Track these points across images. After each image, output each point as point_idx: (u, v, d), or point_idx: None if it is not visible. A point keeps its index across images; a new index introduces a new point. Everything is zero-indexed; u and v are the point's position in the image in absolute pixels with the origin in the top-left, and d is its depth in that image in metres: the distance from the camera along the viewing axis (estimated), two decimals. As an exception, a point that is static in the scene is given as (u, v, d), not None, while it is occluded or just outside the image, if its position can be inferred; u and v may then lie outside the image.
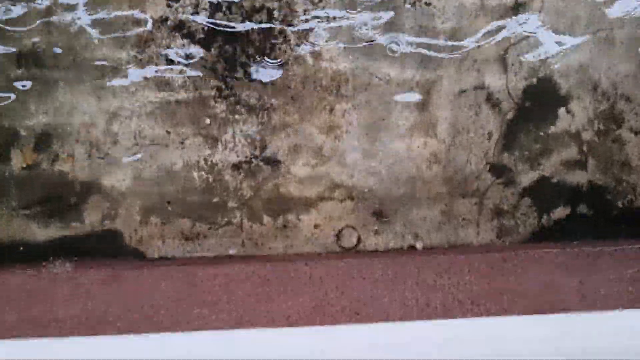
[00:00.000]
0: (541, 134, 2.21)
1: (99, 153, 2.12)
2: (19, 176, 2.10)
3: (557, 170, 2.23)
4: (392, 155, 2.18)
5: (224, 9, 2.08)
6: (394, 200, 2.20)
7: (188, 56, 2.09)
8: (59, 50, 2.06)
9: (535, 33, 2.16)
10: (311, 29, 2.10)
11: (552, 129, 2.21)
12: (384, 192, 2.19)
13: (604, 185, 2.25)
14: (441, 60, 2.14)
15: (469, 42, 2.14)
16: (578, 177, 2.24)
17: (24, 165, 2.10)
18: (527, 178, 2.23)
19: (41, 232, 2.13)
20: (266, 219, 2.18)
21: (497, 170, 2.22)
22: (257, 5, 2.08)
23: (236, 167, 2.16)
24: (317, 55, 2.12)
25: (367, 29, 2.12)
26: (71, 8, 2.04)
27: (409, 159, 2.18)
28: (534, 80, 2.18)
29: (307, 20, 2.10)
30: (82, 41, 2.06)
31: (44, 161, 2.10)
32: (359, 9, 2.10)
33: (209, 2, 2.07)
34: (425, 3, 2.12)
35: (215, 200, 2.16)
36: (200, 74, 2.10)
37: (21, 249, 2.14)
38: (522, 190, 2.23)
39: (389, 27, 2.12)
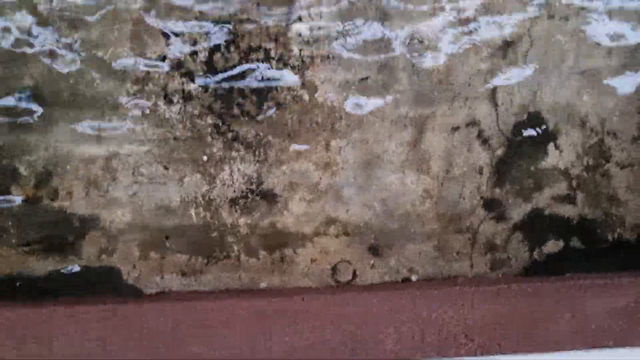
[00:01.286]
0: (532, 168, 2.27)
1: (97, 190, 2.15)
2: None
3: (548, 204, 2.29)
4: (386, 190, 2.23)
5: (222, 49, 2.12)
6: (389, 234, 2.24)
7: (186, 94, 2.14)
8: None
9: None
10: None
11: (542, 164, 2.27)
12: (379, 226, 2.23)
13: (594, 218, 2.31)
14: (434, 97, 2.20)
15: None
16: (569, 211, 2.30)
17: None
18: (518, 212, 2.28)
19: (39, 267, 2.15)
20: (263, 253, 2.22)
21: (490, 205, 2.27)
22: (254, 45, 2.14)
23: (233, 202, 2.19)
24: (312, 92, 2.17)
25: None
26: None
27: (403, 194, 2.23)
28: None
29: (302, 61, 2.15)
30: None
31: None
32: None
33: (207, 45, 2.12)
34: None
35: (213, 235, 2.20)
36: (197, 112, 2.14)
37: (18, 283, 2.16)
38: (513, 225, 2.28)
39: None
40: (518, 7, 2.17)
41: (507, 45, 2.20)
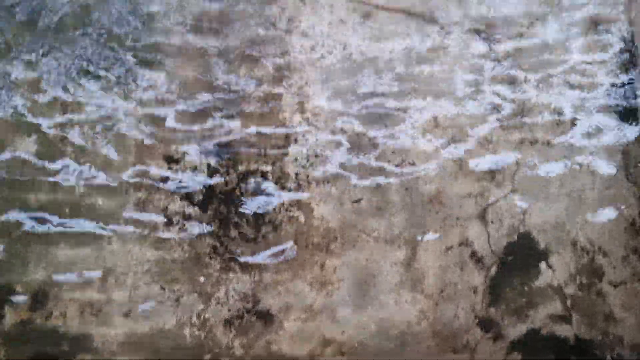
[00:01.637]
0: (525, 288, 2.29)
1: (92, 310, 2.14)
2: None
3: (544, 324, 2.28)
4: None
5: (221, 171, 2.21)
6: (385, 355, 2.21)
7: (186, 216, 2.20)
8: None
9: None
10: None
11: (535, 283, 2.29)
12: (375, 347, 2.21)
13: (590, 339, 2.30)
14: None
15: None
16: (565, 331, 2.29)
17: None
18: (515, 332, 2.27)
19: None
20: (257, 375, 2.18)
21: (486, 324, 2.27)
22: (252, 168, 2.23)
23: (228, 322, 2.18)
24: (308, 214, 2.23)
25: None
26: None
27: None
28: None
29: (299, 185, 2.24)
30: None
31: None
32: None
33: (207, 164, 2.21)
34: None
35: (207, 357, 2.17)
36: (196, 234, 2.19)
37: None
38: (511, 344, 2.26)
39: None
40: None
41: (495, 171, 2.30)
